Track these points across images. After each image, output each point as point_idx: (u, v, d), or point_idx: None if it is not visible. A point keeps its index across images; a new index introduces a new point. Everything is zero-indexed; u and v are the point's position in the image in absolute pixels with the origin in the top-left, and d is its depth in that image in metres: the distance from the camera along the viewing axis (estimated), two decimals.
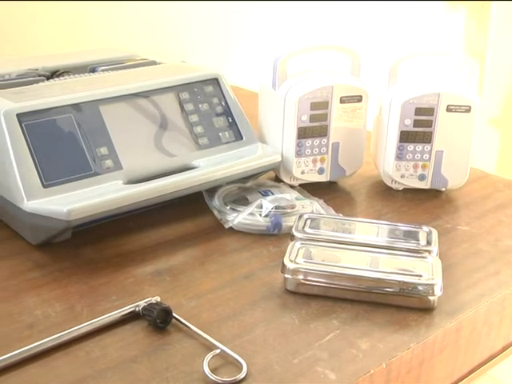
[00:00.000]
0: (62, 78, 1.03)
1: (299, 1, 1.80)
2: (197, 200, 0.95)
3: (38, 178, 0.84)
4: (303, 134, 0.99)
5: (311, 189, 1.02)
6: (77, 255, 0.85)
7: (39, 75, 1.05)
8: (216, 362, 0.65)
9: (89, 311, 0.73)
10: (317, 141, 1.00)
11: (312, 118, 0.99)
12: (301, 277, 0.77)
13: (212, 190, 0.95)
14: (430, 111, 0.98)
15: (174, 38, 1.60)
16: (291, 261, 0.77)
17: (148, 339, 0.69)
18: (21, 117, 0.86)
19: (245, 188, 0.98)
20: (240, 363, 0.65)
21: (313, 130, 1.00)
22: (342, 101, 1.00)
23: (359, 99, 1.01)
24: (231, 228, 0.90)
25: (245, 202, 0.94)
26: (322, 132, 1.00)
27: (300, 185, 1.03)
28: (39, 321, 0.72)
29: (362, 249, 0.82)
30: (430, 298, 0.75)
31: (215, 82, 1.01)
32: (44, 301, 0.76)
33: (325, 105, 0.99)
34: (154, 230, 0.91)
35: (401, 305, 0.75)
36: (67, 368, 0.65)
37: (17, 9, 1.34)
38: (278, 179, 1.04)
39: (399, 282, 0.75)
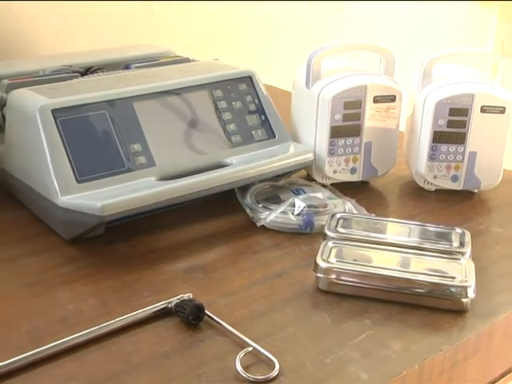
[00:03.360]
0: (95, 74, 1.04)
1: (331, 0, 1.80)
2: (229, 197, 0.95)
3: (71, 174, 0.84)
4: (336, 133, 0.99)
5: (343, 188, 1.01)
6: (109, 251, 0.86)
7: (73, 72, 1.05)
8: (248, 360, 0.65)
9: (121, 307, 0.74)
10: (349, 140, 1.00)
11: (345, 117, 0.99)
12: (333, 276, 0.77)
13: (244, 188, 0.95)
14: (463, 112, 0.97)
15: (206, 35, 1.60)
16: (324, 260, 0.77)
17: (180, 336, 0.69)
18: (55, 112, 0.87)
19: (277, 186, 0.98)
20: (272, 361, 0.65)
21: (346, 129, 0.99)
22: (375, 100, 0.99)
23: (393, 99, 1.00)
24: (263, 226, 0.90)
25: (277, 200, 0.94)
26: (355, 131, 1.00)
27: (332, 184, 1.03)
28: (72, 315, 0.73)
29: (394, 249, 0.81)
30: (464, 300, 0.74)
31: (249, 79, 1.01)
32: (77, 295, 0.76)
33: (358, 104, 0.98)
34: (186, 226, 0.91)
35: (433, 306, 0.75)
36: (100, 362, 0.66)
37: (51, 6, 1.35)
38: (309, 178, 1.04)
39: (430, 283, 0.75)
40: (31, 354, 0.65)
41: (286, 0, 1.74)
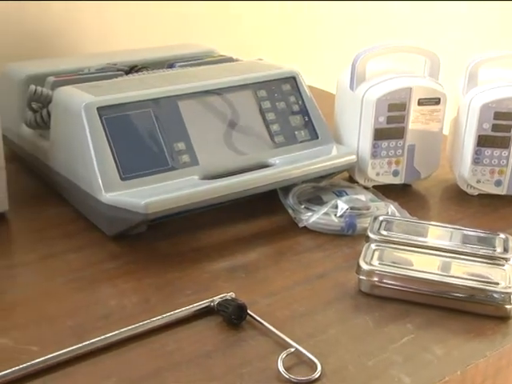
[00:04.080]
0: (140, 73, 1.04)
1: (375, 0, 1.79)
2: (271, 197, 0.95)
3: (116, 171, 0.85)
4: (379, 135, 0.99)
5: (385, 191, 1.00)
6: (151, 248, 0.86)
7: (118, 70, 1.06)
8: (290, 361, 0.65)
9: (163, 304, 0.74)
10: (393, 142, 1.00)
11: (389, 120, 0.98)
12: (375, 279, 0.76)
13: (286, 189, 0.95)
14: (509, 116, 0.96)
15: (250, 34, 1.60)
16: (366, 262, 0.77)
17: (222, 335, 0.70)
18: (101, 110, 0.87)
19: (319, 187, 0.98)
20: (314, 363, 0.65)
21: (389, 131, 0.99)
22: (419, 103, 0.98)
23: (437, 102, 0.99)
24: (305, 227, 0.90)
25: (319, 201, 0.93)
26: (399, 134, 0.99)
27: (374, 186, 1.02)
28: (114, 311, 0.73)
29: (435, 253, 0.81)
30: (507, 306, 0.73)
31: (293, 80, 1.01)
32: (119, 292, 0.77)
33: (402, 106, 0.98)
34: (227, 226, 0.91)
35: (476, 312, 0.74)
36: (142, 359, 0.66)
37: (96, 4, 1.36)
38: (351, 180, 1.04)
39: (471, 287, 0.74)
40: (73, 349, 0.66)
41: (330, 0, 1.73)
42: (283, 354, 0.65)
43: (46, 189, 1.02)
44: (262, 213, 0.95)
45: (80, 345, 0.66)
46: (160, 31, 1.46)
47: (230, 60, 1.12)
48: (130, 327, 0.69)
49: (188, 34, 1.47)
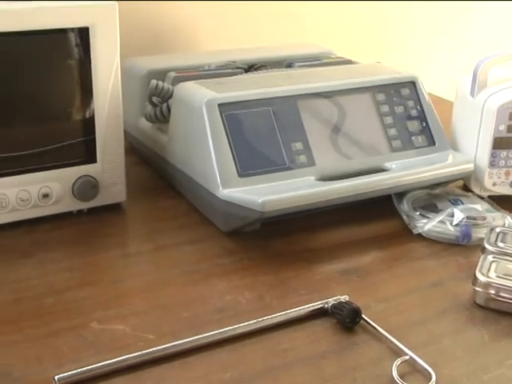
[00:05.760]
0: (259, 71, 1.05)
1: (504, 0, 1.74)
2: (384, 202, 0.94)
3: (234, 168, 0.86)
4: (499, 144, 0.97)
5: (499, 201, 0.98)
6: (265, 246, 0.87)
7: (237, 68, 1.07)
8: (404, 368, 0.65)
9: (278, 303, 0.75)
10: None
11: (510, 129, 0.96)
12: (492, 292, 0.75)
13: (400, 194, 0.94)
14: None
15: (368, 36, 1.59)
16: (483, 274, 0.75)
17: (336, 337, 0.70)
18: (222, 107, 0.89)
19: (434, 194, 0.97)
20: (429, 372, 0.64)
21: (509, 140, 0.97)
22: None
23: None
24: (419, 234, 0.89)
25: (434, 208, 0.92)
26: None
27: (489, 196, 1.00)
28: (229, 306, 0.74)
29: None
30: None
31: (412, 84, 1.00)
32: (234, 287, 0.78)
33: None
34: (340, 228, 0.91)
35: None
36: (257, 356, 0.67)
37: (215, 2, 1.38)
38: (466, 188, 1.02)
39: None
40: (190, 341, 0.67)
41: None
42: (398, 361, 0.65)
43: (161, 181, 1.04)
44: (375, 217, 0.94)
45: (197, 337, 0.67)
46: (273, 30, 1.46)
47: (349, 62, 1.12)
48: (246, 323, 0.69)
49: (301, 33, 1.48)
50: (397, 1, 1.63)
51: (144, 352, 0.65)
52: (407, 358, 0.66)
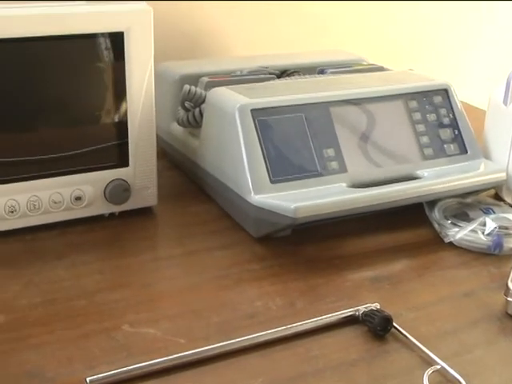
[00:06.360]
0: (292, 77, 1.05)
1: None
2: (415, 209, 0.94)
3: (266, 173, 0.86)
4: None
5: None
6: (296, 253, 0.87)
7: (269, 73, 1.08)
8: (435, 378, 0.64)
9: (308, 309, 0.75)
10: None
11: None
12: None
13: (431, 202, 0.94)
14: None
15: (400, 43, 1.59)
16: None
17: (366, 345, 0.69)
18: (254, 112, 0.89)
19: (465, 203, 0.96)
20: (460, 382, 0.63)
21: None
22: None
23: None
24: (450, 242, 0.89)
25: (465, 217, 0.92)
26: None
27: None
28: (260, 312, 0.74)
29: None
30: None
31: (444, 92, 1.00)
32: (264, 293, 0.78)
33: None
34: (371, 235, 0.91)
35: None
36: (287, 362, 0.67)
37: (246, 6, 1.38)
38: (497, 197, 1.01)
39: None
40: (220, 346, 0.67)
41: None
42: (429, 371, 0.64)
43: (192, 186, 1.05)
44: (406, 225, 0.94)
45: (228, 342, 0.67)
46: (305, 36, 1.46)
47: (381, 69, 1.12)
48: (277, 329, 0.69)
49: (333, 39, 1.48)
50: (430, 8, 1.63)
51: (175, 356, 0.65)
52: (439, 367, 0.65)
